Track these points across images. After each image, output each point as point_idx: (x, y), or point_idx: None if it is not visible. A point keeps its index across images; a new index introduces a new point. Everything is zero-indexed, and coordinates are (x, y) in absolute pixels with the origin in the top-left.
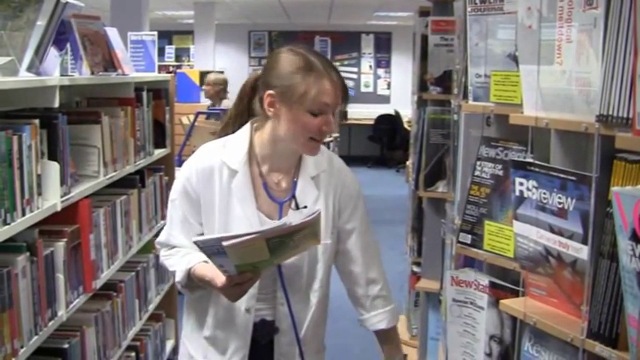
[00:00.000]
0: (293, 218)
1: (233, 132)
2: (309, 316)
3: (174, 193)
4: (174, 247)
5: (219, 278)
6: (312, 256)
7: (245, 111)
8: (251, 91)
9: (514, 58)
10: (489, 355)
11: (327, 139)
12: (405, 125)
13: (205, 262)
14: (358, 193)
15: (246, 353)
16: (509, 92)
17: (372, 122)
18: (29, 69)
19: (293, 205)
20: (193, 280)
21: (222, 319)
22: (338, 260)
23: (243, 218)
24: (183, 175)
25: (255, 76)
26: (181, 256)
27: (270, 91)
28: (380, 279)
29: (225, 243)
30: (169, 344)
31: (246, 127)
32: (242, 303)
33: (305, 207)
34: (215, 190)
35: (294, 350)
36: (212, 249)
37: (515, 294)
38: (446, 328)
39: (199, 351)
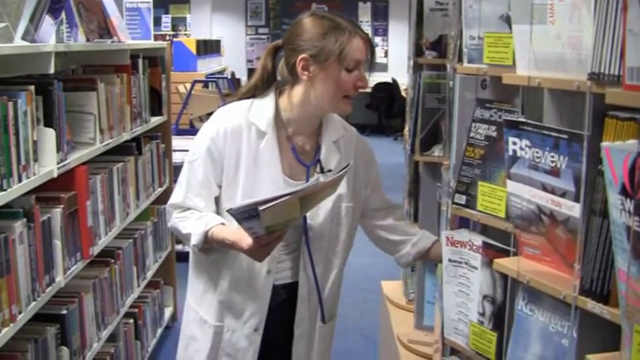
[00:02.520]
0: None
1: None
2: (331, 279)
3: (195, 154)
4: (187, 209)
5: (245, 241)
6: (335, 218)
7: (270, 78)
8: (273, 59)
9: (507, 20)
10: (482, 314)
11: None
12: (403, 93)
13: (223, 224)
14: (372, 153)
15: (263, 317)
16: (501, 54)
17: (369, 90)
18: (24, 37)
19: (318, 168)
20: (210, 243)
21: (240, 283)
22: (361, 219)
23: (270, 181)
24: (206, 135)
25: (274, 44)
26: (196, 219)
27: (304, 55)
28: (404, 217)
29: (261, 207)
30: (168, 311)
31: (271, 91)
32: (263, 265)
33: (329, 170)
34: (242, 151)
35: (316, 314)
36: (244, 214)
37: (507, 254)
38: (442, 290)
39: (213, 315)
